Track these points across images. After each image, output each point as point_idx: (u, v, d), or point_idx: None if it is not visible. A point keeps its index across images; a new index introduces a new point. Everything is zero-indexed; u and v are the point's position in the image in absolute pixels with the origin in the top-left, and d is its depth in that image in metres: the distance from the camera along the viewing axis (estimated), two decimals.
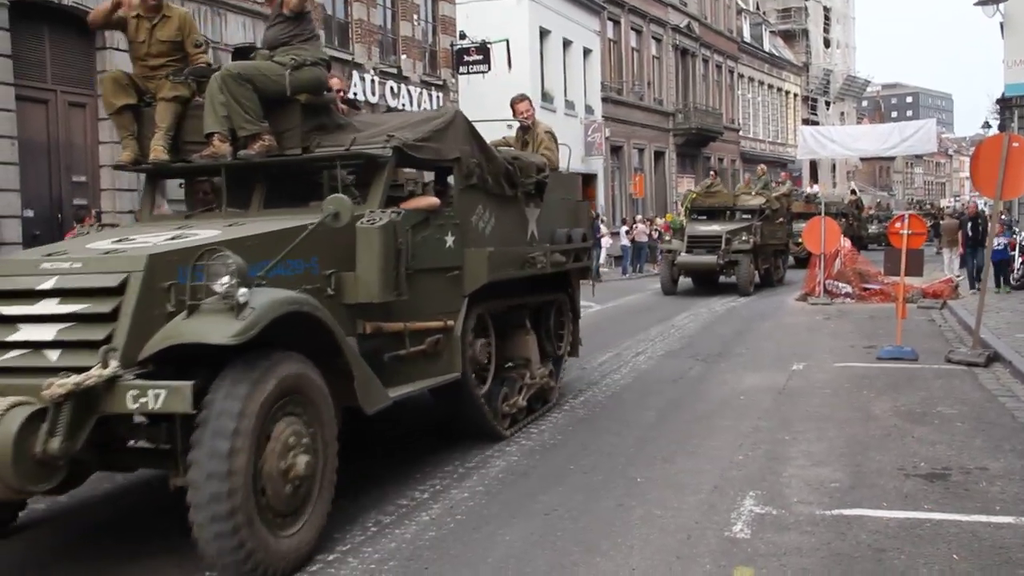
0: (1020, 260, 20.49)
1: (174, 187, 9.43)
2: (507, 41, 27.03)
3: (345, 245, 5.86)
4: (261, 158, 6.31)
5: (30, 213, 14.42)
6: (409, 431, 8.36)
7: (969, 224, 21.18)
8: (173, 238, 5.37)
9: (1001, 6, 24.87)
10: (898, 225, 12.60)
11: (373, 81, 23.70)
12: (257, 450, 4.62)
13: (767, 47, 61.37)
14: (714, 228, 22.03)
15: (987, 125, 46.96)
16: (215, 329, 4.50)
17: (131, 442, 5.18)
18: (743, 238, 21.71)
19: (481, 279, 7.11)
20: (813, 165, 61.14)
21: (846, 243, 21.78)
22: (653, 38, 43.04)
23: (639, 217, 34.03)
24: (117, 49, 14.66)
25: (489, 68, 27.02)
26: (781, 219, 24.58)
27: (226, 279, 4.58)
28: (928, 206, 58.48)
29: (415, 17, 25.96)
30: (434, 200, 6.99)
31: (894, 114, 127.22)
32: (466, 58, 27.29)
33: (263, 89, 6.29)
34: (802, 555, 5.11)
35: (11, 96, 14.01)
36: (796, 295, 20.67)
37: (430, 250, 6.63)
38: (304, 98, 6.51)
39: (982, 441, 7.51)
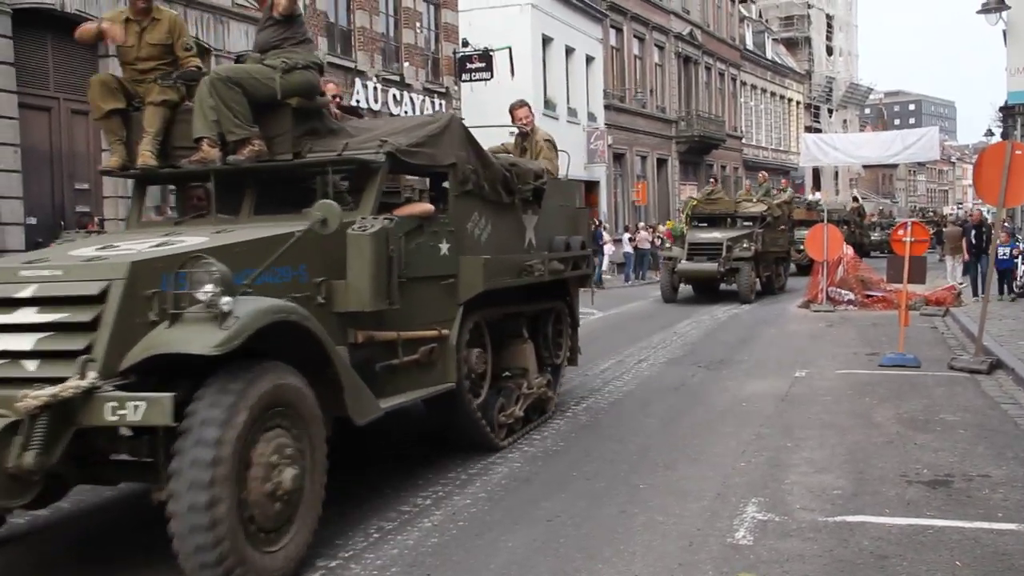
0: (1023, 268, 20.41)
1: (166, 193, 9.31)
2: (510, 49, 27.08)
3: (336, 252, 5.73)
4: (251, 163, 6.18)
5: (33, 220, 14.41)
6: (411, 438, 8.29)
7: (973, 232, 21.10)
8: (158, 245, 5.25)
9: (1004, 14, 24.77)
10: (901, 232, 12.62)
11: (376, 89, 23.69)
12: (241, 462, 4.49)
13: (770, 55, 61.37)
14: (715, 235, 21.88)
15: (990, 133, 46.97)
16: (198, 339, 4.37)
17: (114, 455, 5.04)
18: (744, 245, 21.58)
19: (476, 287, 7.00)
20: (816, 172, 61.05)
21: (849, 250, 21.69)
22: (656, 46, 42.99)
23: (642, 224, 33.98)
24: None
25: (492, 76, 27.02)
26: (783, 226, 24.43)
27: (210, 287, 4.45)
28: (931, 213, 58.48)
29: (417, 25, 25.95)
30: (428, 207, 6.88)
31: (897, 122, 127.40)
32: (469, 66, 27.30)
33: (253, 93, 6.18)
34: (804, 562, 5.10)
35: (14, 104, 14.04)
36: (799, 302, 20.61)
37: (424, 258, 6.50)
38: (295, 102, 6.39)
39: (984, 448, 7.51)
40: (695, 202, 24.14)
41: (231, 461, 4.37)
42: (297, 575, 4.97)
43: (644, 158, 41.77)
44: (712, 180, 30.76)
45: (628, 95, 40.17)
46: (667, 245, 24.67)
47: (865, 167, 72.27)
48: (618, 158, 38.97)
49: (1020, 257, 20.42)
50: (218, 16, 18.51)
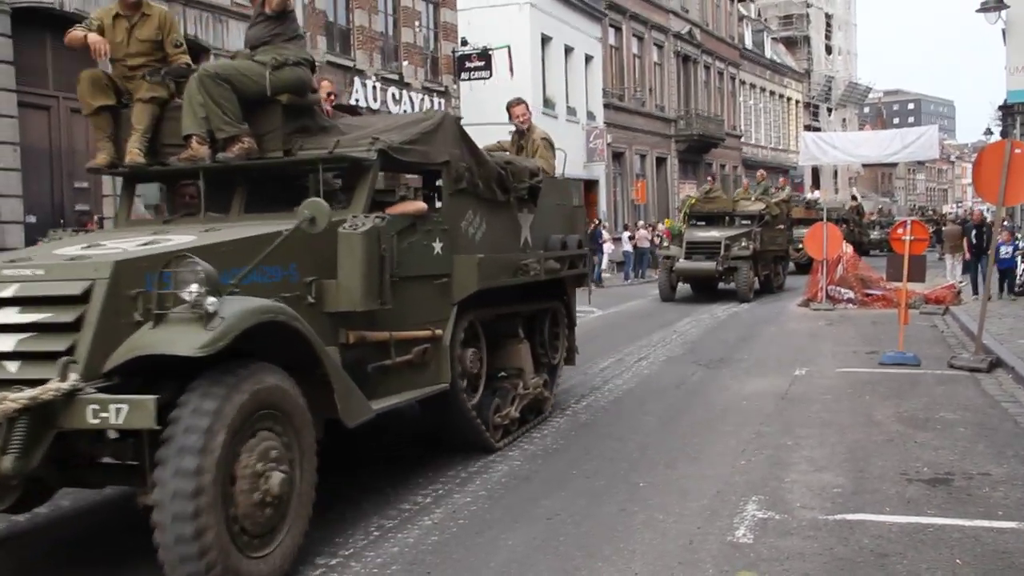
0: (1023, 267, 20.38)
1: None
2: (509, 48, 27.04)
3: (327, 251, 5.63)
4: (240, 161, 6.08)
5: (32, 219, 14.37)
6: (409, 437, 8.23)
7: (974, 232, 21.06)
8: (144, 244, 5.14)
9: (1003, 12, 24.74)
10: (900, 231, 12.62)
11: (375, 88, 23.63)
12: (227, 468, 4.37)
13: (769, 54, 61.33)
14: (713, 234, 21.78)
15: (989, 131, 46.90)
16: (182, 340, 4.27)
17: (99, 458, 4.93)
18: (742, 244, 21.47)
19: (471, 287, 6.91)
20: (815, 171, 61.01)
21: (848, 249, 21.64)
22: (655, 44, 42.94)
23: (641, 223, 33.95)
24: None
25: (491, 75, 26.98)
26: (781, 225, 24.33)
27: (195, 287, 4.34)
28: (930, 212, 58.48)
29: (416, 24, 25.90)
30: (421, 205, 6.80)
31: (896, 120, 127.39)
32: (468, 65, 27.26)
33: (242, 89, 6.07)
34: (805, 560, 5.09)
35: (13, 102, 14.03)
36: (798, 301, 20.58)
37: (417, 257, 6.40)
38: (286, 99, 6.29)
39: (984, 446, 7.51)
40: (693, 201, 23.99)
41: (217, 468, 4.25)
42: None
43: (643, 157, 41.74)
44: (710, 179, 30.68)
45: (627, 94, 40.13)
46: (665, 244, 24.52)
47: (864, 166, 72.27)
48: (617, 157, 38.93)
49: (1021, 256, 20.39)
50: (217, 15, 18.46)
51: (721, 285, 22.26)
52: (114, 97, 6.46)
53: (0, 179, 13.81)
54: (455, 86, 27.36)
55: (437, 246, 6.66)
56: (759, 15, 64.30)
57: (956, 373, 10.89)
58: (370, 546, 5.41)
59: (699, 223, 22.99)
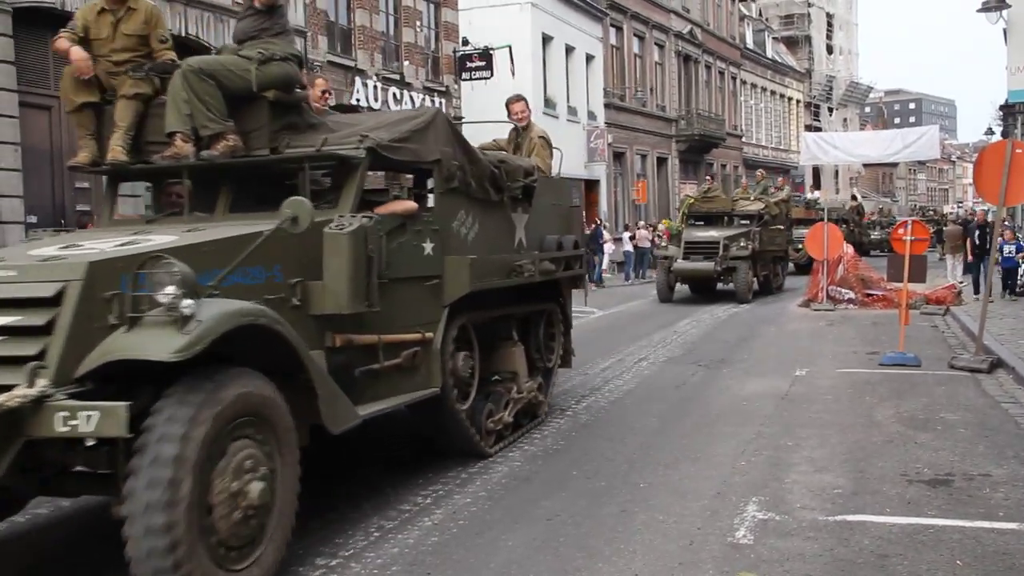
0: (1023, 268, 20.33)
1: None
2: (510, 47, 27.03)
3: (313, 252, 5.48)
4: (225, 159, 5.92)
5: (33, 219, 14.29)
6: (406, 439, 8.12)
7: (977, 232, 20.97)
8: (122, 244, 4.98)
9: (1004, 12, 24.66)
10: (901, 231, 12.60)
11: (376, 87, 23.55)
12: (204, 478, 4.20)
13: (770, 53, 61.23)
14: (711, 234, 21.66)
15: (990, 131, 46.87)
16: (156, 344, 4.12)
17: (72, 467, 4.75)
18: (741, 244, 21.34)
19: (462, 288, 6.76)
20: (816, 171, 60.92)
21: (849, 249, 21.54)
22: (656, 44, 42.85)
23: (642, 223, 33.86)
24: None
25: (492, 74, 26.94)
26: (780, 225, 24.19)
27: (171, 289, 4.18)
28: (931, 212, 58.35)
29: (418, 23, 25.82)
30: (411, 204, 6.62)
31: (897, 120, 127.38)
32: (469, 64, 27.23)
33: (227, 85, 5.92)
34: (805, 561, 5.09)
35: (14, 102, 14.00)
36: (799, 301, 20.51)
37: (407, 258, 6.25)
38: (272, 95, 6.15)
39: (985, 447, 7.49)
40: (691, 200, 23.89)
41: (191, 479, 4.09)
42: None
43: (644, 157, 41.66)
44: (709, 178, 30.59)
45: (628, 94, 40.05)
46: (663, 244, 24.37)
47: (865, 166, 72.22)
48: (618, 157, 38.85)
49: (1022, 256, 20.30)
50: (218, 15, 18.35)
51: (720, 286, 22.10)
52: (98, 94, 6.28)
53: (1, 179, 13.77)
54: (456, 86, 27.28)
55: (428, 247, 6.52)
56: (760, 15, 64.19)
57: (957, 374, 10.86)
58: (370, 547, 5.40)
59: (698, 223, 22.88)
